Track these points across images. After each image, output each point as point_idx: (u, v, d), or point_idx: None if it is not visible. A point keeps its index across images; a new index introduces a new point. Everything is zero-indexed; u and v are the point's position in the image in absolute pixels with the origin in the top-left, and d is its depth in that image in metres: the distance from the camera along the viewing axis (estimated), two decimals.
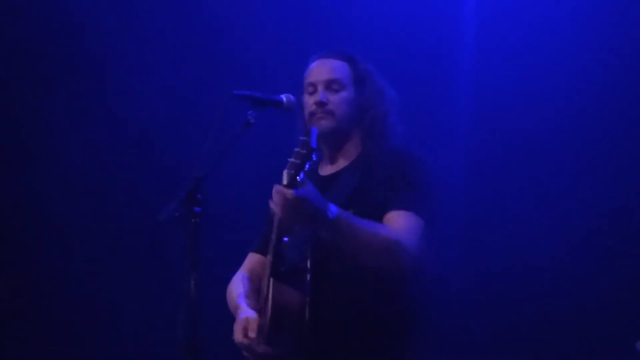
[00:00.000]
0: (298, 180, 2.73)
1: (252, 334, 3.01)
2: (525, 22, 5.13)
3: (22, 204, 5.31)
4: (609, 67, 4.95)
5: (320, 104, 3.22)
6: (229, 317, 3.23)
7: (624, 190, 4.87)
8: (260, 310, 3.11)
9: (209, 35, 5.30)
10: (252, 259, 3.43)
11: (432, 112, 5.14)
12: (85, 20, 5.31)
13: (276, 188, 2.75)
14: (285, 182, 2.74)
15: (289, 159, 2.74)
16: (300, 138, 2.72)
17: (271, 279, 3.02)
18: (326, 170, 3.32)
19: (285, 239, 3.11)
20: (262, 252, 3.34)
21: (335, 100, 3.23)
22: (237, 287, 3.29)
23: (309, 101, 3.26)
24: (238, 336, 3.05)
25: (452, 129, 5.19)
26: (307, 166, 2.72)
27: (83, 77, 5.32)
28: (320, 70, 3.28)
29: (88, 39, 5.31)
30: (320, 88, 3.25)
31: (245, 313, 3.09)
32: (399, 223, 3.01)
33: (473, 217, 5.11)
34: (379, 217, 3.05)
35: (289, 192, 2.72)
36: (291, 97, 3.18)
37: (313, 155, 2.70)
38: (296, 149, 2.73)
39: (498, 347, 4.92)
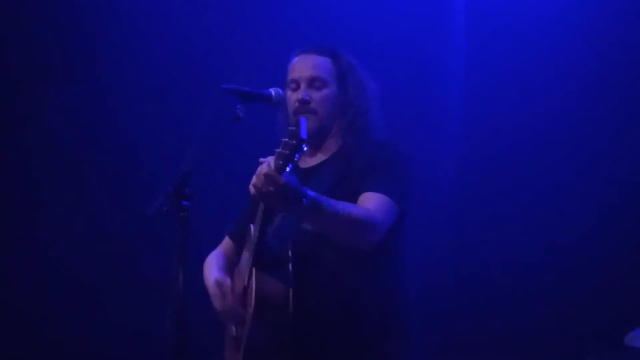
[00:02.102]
0: (287, 170, 2.74)
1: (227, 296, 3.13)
2: (515, 20, 5.14)
3: (10, 200, 5.30)
4: (601, 66, 4.96)
5: (303, 102, 3.24)
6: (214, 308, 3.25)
7: (616, 191, 4.89)
8: (242, 299, 3.14)
9: (198, 30, 5.29)
10: (226, 242, 3.52)
11: (423, 112, 5.16)
12: (77, 17, 5.29)
13: (267, 172, 2.76)
14: (273, 171, 2.75)
15: (277, 150, 2.74)
16: (289, 128, 2.71)
17: (254, 269, 3.03)
18: (307, 162, 3.34)
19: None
20: (234, 238, 3.47)
21: (318, 98, 3.25)
22: (212, 262, 3.40)
23: (292, 98, 3.28)
24: (212, 290, 3.19)
25: (444, 129, 5.20)
26: (297, 157, 2.72)
27: (72, 72, 5.31)
28: (303, 66, 3.29)
29: (79, 34, 5.29)
30: (302, 85, 3.27)
31: (215, 276, 3.22)
32: (370, 203, 3.05)
33: (465, 216, 5.14)
34: (355, 198, 3.09)
35: (280, 178, 2.75)
36: (280, 91, 3.20)
37: (303, 146, 2.69)
38: (285, 140, 2.72)
39: (491, 343, 4.93)
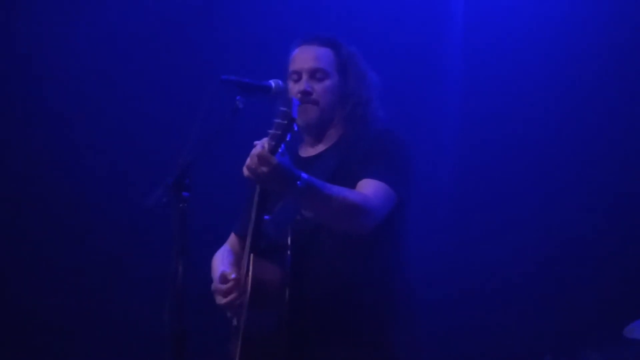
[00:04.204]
0: (279, 151, 2.76)
1: (229, 283, 3.13)
2: (514, 20, 5.15)
3: (8, 194, 5.29)
4: (600, 66, 4.98)
5: (305, 94, 3.24)
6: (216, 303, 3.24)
7: (615, 186, 4.92)
8: (241, 286, 3.14)
9: (197, 21, 5.28)
10: (232, 239, 3.53)
11: (421, 109, 5.16)
12: (77, 9, 5.28)
13: (260, 153, 2.77)
14: (266, 151, 2.77)
15: (269, 130, 2.77)
16: (281, 109, 2.74)
17: (251, 255, 3.03)
18: (307, 152, 3.36)
19: (266, 217, 3.14)
20: (239, 233, 3.48)
21: (320, 89, 3.26)
22: (220, 258, 3.41)
23: (294, 89, 3.28)
24: (214, 285, 3.19)
25: (442, 127, 5.22)
26: (288, 137, 2.74)
27: (71, 66, 5.28)
28: (304, 58, 3.30)
29: (78, 26, 5.28)
30: (304, 77, 3.28)
31: (221, 270, 3.22)
32: (367, 189, 3.06)
33: (463, 212, 5.15)
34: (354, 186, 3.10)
35: (273, 159, 2.76)
36: (280, 82, 3.20)
37: (294, 126, 2.72)
38: (277, 120, 2.75)
39: (490, 335, 4.94)
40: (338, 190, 2.97)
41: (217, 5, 5.30)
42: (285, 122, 2.72)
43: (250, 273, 3.02)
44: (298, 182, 2.83)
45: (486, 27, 5.17)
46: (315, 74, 3.27)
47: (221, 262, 3.38)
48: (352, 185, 3.09)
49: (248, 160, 2.83)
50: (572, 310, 4.82)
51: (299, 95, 3.24)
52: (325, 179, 3.05)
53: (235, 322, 3.23)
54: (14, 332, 5.16)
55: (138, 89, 5.24)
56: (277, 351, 3.05)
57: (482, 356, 4.92)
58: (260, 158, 2.78)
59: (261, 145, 2.80)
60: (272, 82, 3.17)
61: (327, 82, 3.27)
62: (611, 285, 4.79)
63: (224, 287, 3.15)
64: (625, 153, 4.94)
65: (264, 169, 2.78)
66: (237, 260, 3.40)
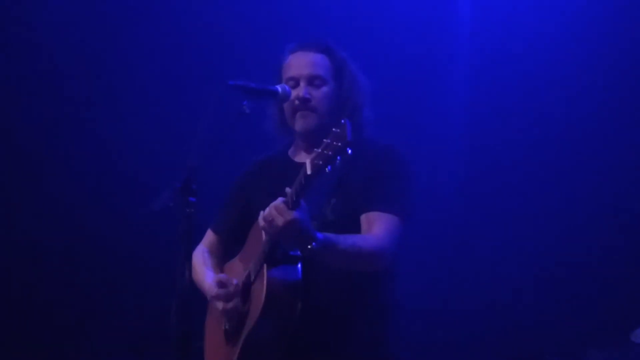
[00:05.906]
0: (326, 171, 2.68)
1: (231, 289, 3.14)
2: (520, 23, 5.15)
3: (16, 196, 5.31)
4: (607, 67, 4.98)
5: (304, 100, 3.23)
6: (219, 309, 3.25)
7: (621, 187, 4.92)
8: (239, 292, 3.17)
9: (204, 25, 5.30)
10: (210, 237, 3.53)
11: (427, 113, 5.17)
12: (85, 14, 5.31)
13: (278, 206, 2.76)
14: (309, 172, 2.70)
15: (316, 150, 2.68)
16: (334, 130, 2.66)
17: (264, 265, 3.04)
18: (302, 157, 3.32)
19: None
20: (219, 232, 3.49)
21: (318, 96, 3.26)
22: (201, 261, 3.41)
23: (291, 95, 3.25)
24: (214, 290, 3.17)
25: (448, 129, 5.22)
26: (338, 159, 2.66)
27: (78, 68, 5.31)
28: (301, 64, 3.29)
29: (86, 30, 5.31)
30: (302, 84, 3.26)
31: (216, 276, 3.23)
32: (379, 227, 3.07)
33: (468, 217, 5.16)
34: (359, 206, 3.12)
35: (290, 213, 2.75)
36: (286, 87, 3.20)
37: (348, 150, 2.64)
38: (327, 141, 2.66)
39: (495, 337, 4.95)
40: (352, 242, 2.98)
41: (224, 8, 5.31)
42: (339, 144, 2.62)
43: (265, 283, 3.01)
44: (314, 244, 2.83)
45: (493, 29, 5.17)
46: (313, 81, 3.26)
47: (204, 265, 3.39)
48: (353, 198, 3.10)
49: (267, 211, 2.81)
50: (577, 313, 4.82)
51: (296, 102, 3.23)
52: (328, 189, 3.07)
53: (226, 325, 3.24)
54: (18, 332, 5.18)
55: (145, 93, 5.26)
56: (275, 357, 3.07)
57: (486, 357, 4.93)
58: (278, 210, 2.76)
59: (282, 199, 2.77)
60: (279, 87, 3.18)
61: (325, 89, 3.27)
62: (617, 287, 4.79)
63: (224, 292, 3.17)
64: (635, 154, 4.93)
65: (279, 222, 2.77)
66: (217, 264, 3.43)
